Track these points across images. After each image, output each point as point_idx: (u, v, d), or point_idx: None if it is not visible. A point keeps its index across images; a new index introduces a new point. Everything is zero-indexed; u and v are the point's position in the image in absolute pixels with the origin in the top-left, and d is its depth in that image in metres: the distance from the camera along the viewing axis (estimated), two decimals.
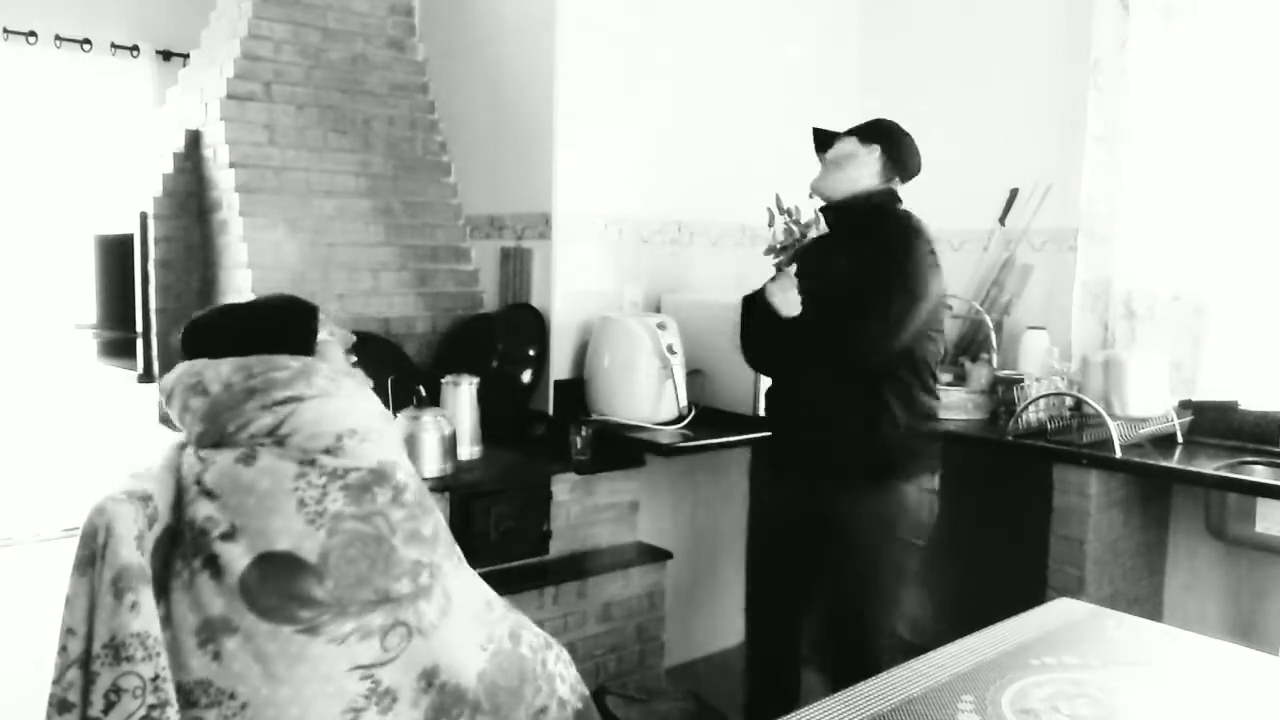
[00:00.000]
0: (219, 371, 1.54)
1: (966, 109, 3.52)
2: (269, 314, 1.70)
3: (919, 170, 2.41)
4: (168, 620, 1.42)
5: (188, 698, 1.39)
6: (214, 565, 1.42)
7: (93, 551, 1.36)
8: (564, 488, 2.76)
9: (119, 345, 3.61)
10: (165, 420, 3.28)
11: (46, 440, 3.97)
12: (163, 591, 1.44)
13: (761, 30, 3.54)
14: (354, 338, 1.80)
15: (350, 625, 1.42)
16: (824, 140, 2.44)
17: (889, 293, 2.22)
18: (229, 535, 1.42)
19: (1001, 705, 1.35)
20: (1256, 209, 2.84)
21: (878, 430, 2.26)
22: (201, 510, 1.45)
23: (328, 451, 1.47)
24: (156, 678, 1.35)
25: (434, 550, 1.54)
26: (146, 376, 3.33)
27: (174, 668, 1.39)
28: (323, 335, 1.69)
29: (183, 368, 1.60)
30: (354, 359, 1.78)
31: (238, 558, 1.41)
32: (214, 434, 1.53)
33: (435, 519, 1.59)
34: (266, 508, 1.42)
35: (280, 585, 1.40)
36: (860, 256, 2.29)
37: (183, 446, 1.59)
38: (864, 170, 2.34)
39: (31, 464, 3.96)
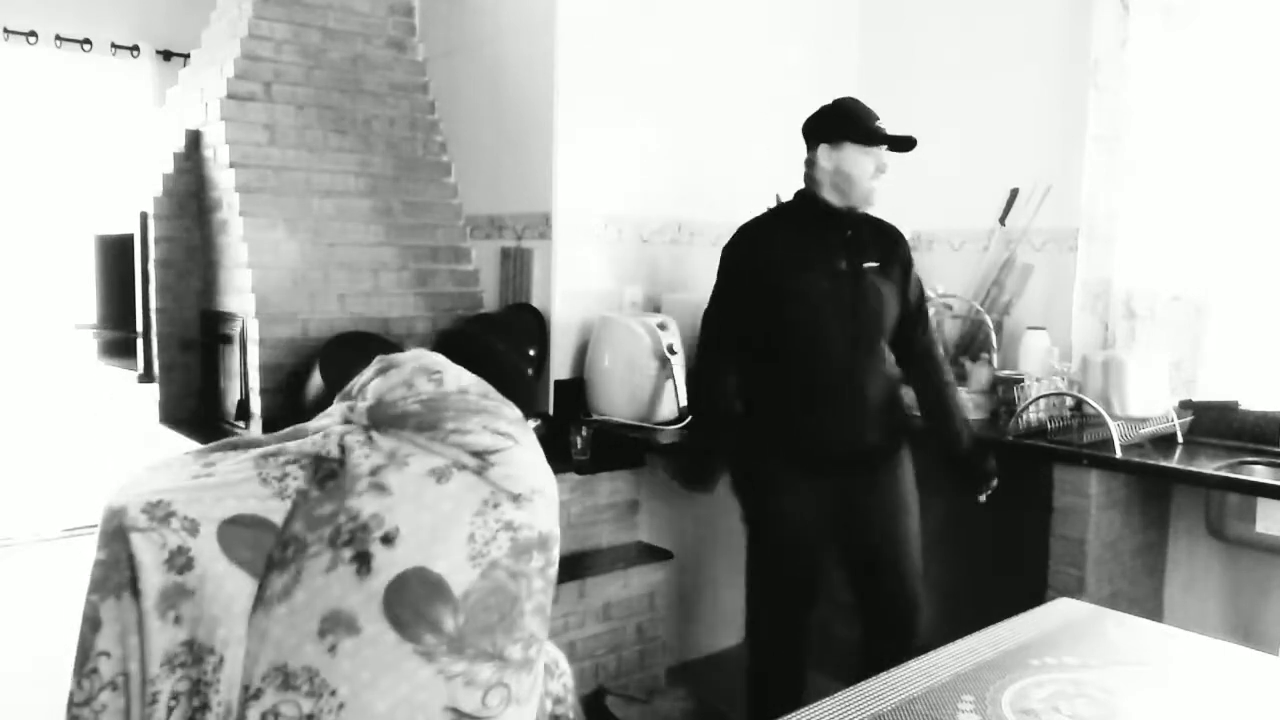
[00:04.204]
0: (461, 375, 1.61)
1: (966, 109, 3.52)
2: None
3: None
4: (286, 594, 1.41)
5: (288, 680, 1.39)
6: (364, 562, 1.42)
7: (120, 581, 1.36)
8: (564, 488, 2.76)
9: (119, 345, 3.61)
10: (167, 420, 3.29)
11: (46, 440, 3.98)
12: (273, 566, 1.43)
13: (761, 30, 3.53)
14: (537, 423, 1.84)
15: (461, 666, 1.42)
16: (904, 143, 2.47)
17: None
18: (390, 539, 1.42)
19: (1001, 705, 1.35)
20: (1257, 209, 2.84)
21: None
22: (369, 505, 1.45)
23: (517, 498, 1.50)
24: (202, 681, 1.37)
25: (544, 632, 1.55)
26: (147, 376, 3.33)
27: (281, 646, 1.39)
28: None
29: (423, 353, 1.65)
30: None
31: (392, 564, 1.41)
32: (426, 423, 1.54)
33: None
34: (441, 530, 1.44)
35: (419, 603, 1.41)
36: None
37: (341, 434, 1.55)
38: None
39: (31, 464, 3.96)
